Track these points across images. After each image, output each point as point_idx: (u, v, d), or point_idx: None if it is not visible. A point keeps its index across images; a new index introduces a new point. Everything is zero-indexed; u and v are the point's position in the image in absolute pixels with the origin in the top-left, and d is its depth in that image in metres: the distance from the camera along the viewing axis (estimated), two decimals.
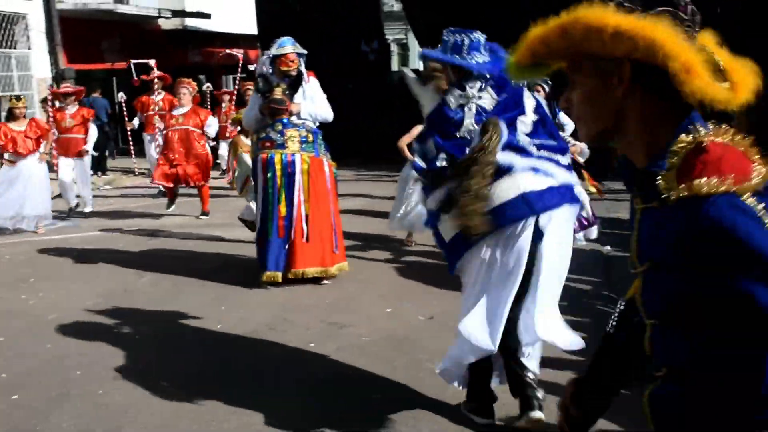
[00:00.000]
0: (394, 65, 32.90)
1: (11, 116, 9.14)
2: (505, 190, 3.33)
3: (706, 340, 1.42)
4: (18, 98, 9.32)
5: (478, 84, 3.51)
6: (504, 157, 3.31)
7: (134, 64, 12.03)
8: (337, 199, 6.60)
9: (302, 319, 5.53)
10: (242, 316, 5.61)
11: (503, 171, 3.31)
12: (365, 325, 5.30)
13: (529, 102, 3.54)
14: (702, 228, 1.34)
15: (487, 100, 3.51)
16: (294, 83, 6.27)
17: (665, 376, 1.51)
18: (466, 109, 3.50)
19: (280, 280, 6.30)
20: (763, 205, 1.32)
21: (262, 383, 4.36)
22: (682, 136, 1.43)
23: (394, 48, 36.08)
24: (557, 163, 3.47)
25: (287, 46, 6.31)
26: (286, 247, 6.30)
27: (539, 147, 3.44)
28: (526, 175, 3.36)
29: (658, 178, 1.43)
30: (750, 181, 1.34)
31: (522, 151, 3.39)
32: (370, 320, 5.41)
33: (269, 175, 6.27)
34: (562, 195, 3.43)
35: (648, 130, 1.48)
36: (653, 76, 1.44)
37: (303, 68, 6.33)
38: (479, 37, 3.55)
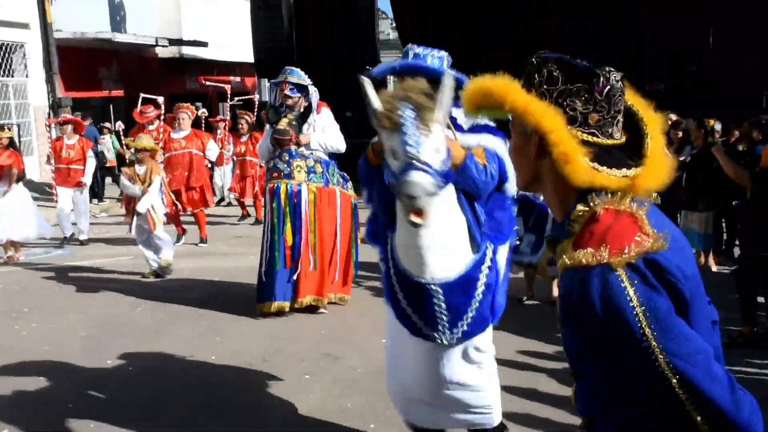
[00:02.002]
0: None
1: None
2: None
3: (611, 390, 1.49)
4: (2, 129, 9.29)
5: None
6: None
7: (143, 97, 12.09)
8: (349, 229, 6.56)
9: (297, 350, 5.50)
10: (237, 348, 5.59)
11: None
12: (360, 357, 5.28)
13: None
14: (579, 295, 1.43)
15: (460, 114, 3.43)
16: (303, 114, 6.29)
17: (588, 426, 1.59)
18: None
19: (287, 309, 6.28)
20: (634, 281, 1.39)
21: (257, 416, 4.33)
22: (580, 206, 1.52)
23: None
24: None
25: (284, 75, 6.33)
26: (294, 277, 6.29)
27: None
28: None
29: (558, 245, 1.56)
30: (626, 253, 1.40)
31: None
32: (365, 352, 5.38)
33: (274, 204, 6.29)
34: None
35: (559, 194, 1.58)
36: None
37: (313, 99, 6.33)
38: (445, 54, 3.35)
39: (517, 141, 1.63)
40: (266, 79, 21.39)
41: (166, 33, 20.17)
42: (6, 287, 7.76)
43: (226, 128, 13.16)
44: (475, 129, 3.34)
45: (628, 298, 1.38)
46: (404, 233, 3.07)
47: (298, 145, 6.27)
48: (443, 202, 2.97)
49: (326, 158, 6.42)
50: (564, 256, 1.48)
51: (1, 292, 7.59)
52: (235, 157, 12.11)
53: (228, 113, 13.28)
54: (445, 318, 3.15)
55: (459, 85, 2.94)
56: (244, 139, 11.85)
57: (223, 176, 13.45)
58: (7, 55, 15.83)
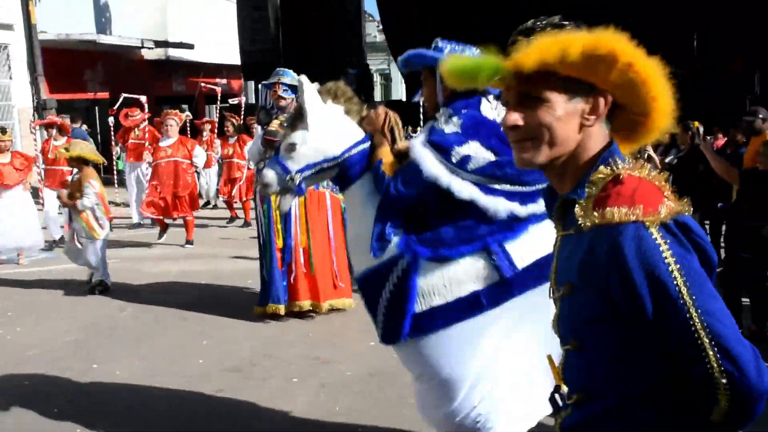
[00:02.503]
0: (378, 95, 33.12)
1: None
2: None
3: (618, 362, 1.47)
4: (3, 131, 9.23)
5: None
6: None
7: (125, 97, 12.05)
8: (342, 232, 6.55)
9: (285, 354, 5.49)
10: (224, 351, 5.57)
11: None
12: (349, 361, 5.27)
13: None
14: (609, 254, 1.40)
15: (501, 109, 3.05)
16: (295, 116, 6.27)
17: (578, 402, 1.55)
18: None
19: (282, 312, 6.27)
20: (666, 240, 1.39)
21: (245, 420, 4.32)
22: (602, 168, 1.49)
23: (377, 78, 36.35)
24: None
25: (277, 76, 6.33)
26: (288, 279, 6.28)
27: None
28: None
29: (576, 206, 1.49)
30: (658, 214, 1.40)
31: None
32: (354, 355, 5.38)
33: (265, 207, 6.29)
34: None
35: (581, 158, 1.52)
36: (618, 111, 1.52)
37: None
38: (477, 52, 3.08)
39: (564, 109, 1.48)
40: (252, 82, 21.38)
41: (152, 35, 20.09)
42: None
43: (212, 130, 13.13)
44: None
45: (663, 255, 1.37)
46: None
47: None
48: (351, 198, 3.24)
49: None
50: (588, 215, 1.45)
51: None
52: (221, 160, 12.10)
53: (216, 115, 13.24)
54: (370, 311, 3.18)
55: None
56: (231, 141, 11.85)
57: (209, 179, 13.42)
58: None
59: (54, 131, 10.20)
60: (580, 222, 1.47)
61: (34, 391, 4.84)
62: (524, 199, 2.91)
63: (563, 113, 1.48)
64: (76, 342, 5.91)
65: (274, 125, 6.23)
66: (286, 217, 6.23)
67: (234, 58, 22.01)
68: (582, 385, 1.54)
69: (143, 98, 11.27)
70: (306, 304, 6.31)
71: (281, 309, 6.28)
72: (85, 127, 15.45)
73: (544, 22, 1.57)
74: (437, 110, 3.12)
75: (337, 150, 3.23)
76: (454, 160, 2.90)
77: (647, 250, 1.38)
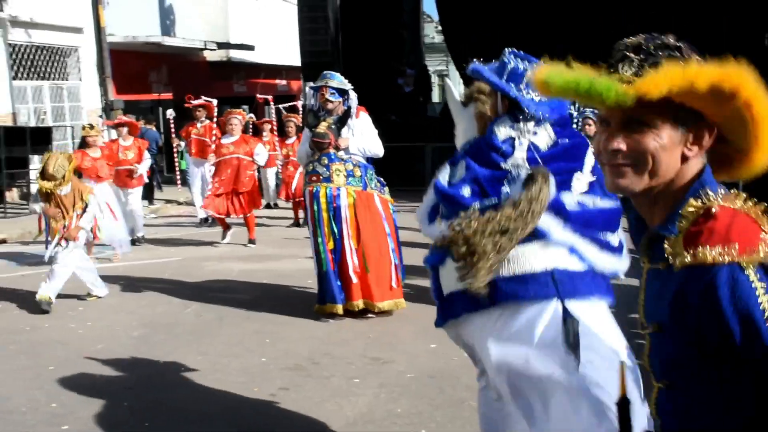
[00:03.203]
0: (435, 97, 33.08)
1: (85, 145, 9.35)
2: (532, 258, 2.76)
3: (711, 404, 1.41)
4: (91, 126, 9.53)
5: (532, 122, 2.97)
6: (542, 221, 2.69)
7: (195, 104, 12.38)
8: (395, 233, 6.58)
9: (345, 353, 5.54)
10: (286, 349, 5.65)
11: (534, 234, 2.70)
12: (408, 362, 5.29)
13: (589, 158, 2.96)
14: (702, 297, 1.33)
15: (544, 138, 2.97)
16: (342, 118, 6.35)
17: None
18: (516, 143, 2.94)
19: (341, 312, 6.33)
20: (764, 283, 1.31)
21: (307, 419, 4.37)
22: (692, 200, 1.41)
23: (434, 79, 36.28)
24: (603, 244, 2.86)
25: (324, 80, 6.40)
26: (341, 279, 6.34)
27: (586, 222, 2.82)
28: (560, 251, 2.79)
29: (666, 241, 1.42)
30: (756, 252, 1.31)
31: (565, 218, 2.78)
32: (413, 356, 5.39)
33: (315, 208, 6.36)
34: (596, 285, 2.82)
35: (673, 188, 1.46)
36: (718, 144, 1.46)
37: (352, 103, 6.40)
38: None
39: (670, 138, 1.43)
40: (311, 83, 21.62)
41: (214, 36, 20.46)
42: (62, 287, 7.94)
43: (272, 130, 13.31)
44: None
45: (759, 300, 1.30)
46: None
47: (337, 148, 6.32)
48: None
49: (364, 162, 6.46)
50: (678, 254, 1.38)
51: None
52: (281, 160, 12.27)
53: (273, 115, 13.43)
54: None
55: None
56: (291, 141, 12.00)
57: (271, 178, 13.61)
58: (61, 59, 16.23)
59: (124, 131, 10.47)
60: (669, 260, 1.40)
61: (102, 385, 4.99)
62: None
63: (668, 142, 1.42)
64: (141, 337, 6.07)
65: (322, 128, 6.30)
66: (336, 219, 6.29)
67: (293, 59, 22.24)
68: (677, 424, 1.50)
69: (215, 101, 11.50)
70: (360, 303, 6.35)
71: (339, 308, 6.34)
72: (150, 126, 15.85)
73: (657, 42, 1.46)
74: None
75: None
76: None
77: (742, 295, 1.30)
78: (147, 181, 11.02)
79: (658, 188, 1.46)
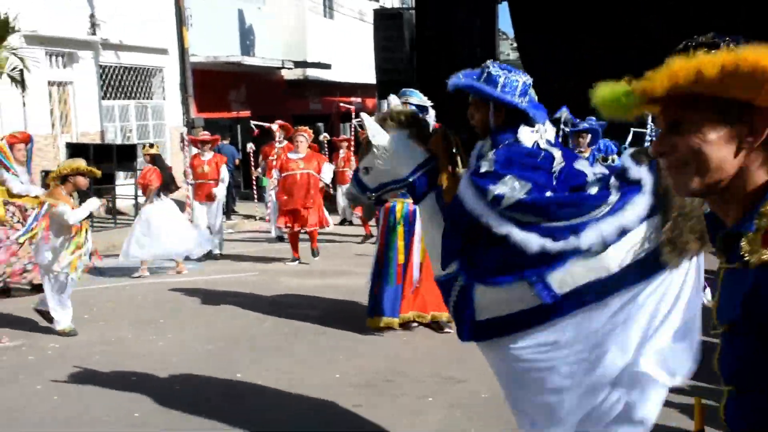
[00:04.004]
0: None
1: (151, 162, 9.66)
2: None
3: None
4: (151, 145, 9.82)
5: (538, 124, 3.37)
6: None
7: (254, 124, 12.64)
8: None
9: (417, 371, 5.53)
10: (359, 366, 5.68)
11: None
12: (481, 381, 5.22)
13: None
14: None
15: (551, 135, 3.40)
16: None
17: None
18: (542, 144, 3.32)
19: (396, 326, 6.36)
20: None
21: None
22: None
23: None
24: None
25: (404, 97, 6.44)
26: (405, 292, 6.41)
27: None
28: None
29: (743, 239, 1.37)
30: None
31: None
32: (487, 376, 5.29)
33: (389, 222, 6.41)
34: None
35: (751, 187, 1.41)
36: None
37: (430, 119, 6.42)
38: (528, 80, 3.39)
39: (716, 134, 1.40)
40: (385, 101, 21.80)
41: (291, 55, 20.87)
42: (144, 298, 8.22)
43: (349, 147, 13.45)
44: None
45: None
46: None
47: None
48: (423, 211, 3.66)
49: None
50: (755, 251, 1.35)
51: (139, 303, 8.05)
52: None
53: (351, 133, 13.56)
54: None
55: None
56: None
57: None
58: (147, 79, 16.86)
59: (207, 147, 10.78)
60: (746, 257, 1.37)
61: (181, 396, 5.12)
62: (557, 234, 3.06)
63: (713, 138, 1.38)
64: (218, 350, 6.20)
65: None
66: (409, 234, 6.33)
67: (368, 77, 22.46)
68: (749, 427, 1.46)
69: (275, 126, 11.72)
70: (410, 314, 6.38)
71: (395, 323, 6.40)
72: (226, 142, 16.22)
73: (695, 42, 1.45)
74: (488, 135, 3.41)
75: (404, 173, 3.64)
76: (489, 198, 3.16)
77: None
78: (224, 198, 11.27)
79: (722, 184, 1.42)
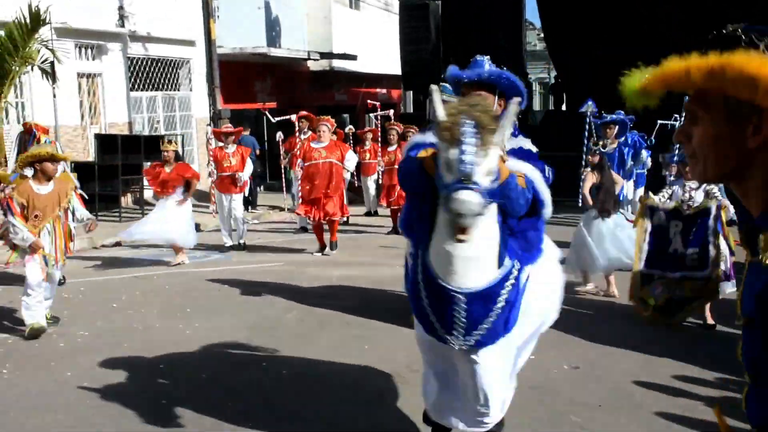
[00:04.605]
0: (536, 105, 32.60)
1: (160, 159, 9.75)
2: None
3: None
4: (169, 142, 9.85)
5: None
6: None
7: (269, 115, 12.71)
8: None
9: None
10: (384, 356, 5.70)
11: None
12: None
13: None
14: None
15: None
16: None
17: None
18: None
19: None
20: None
21: (404, 426, 4.40)
22: None
23: (536, 87, 35.86)
24: None
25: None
26: None
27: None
28: None
29: (761, 235, 1.40)
30: None
31: None
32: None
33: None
34: None
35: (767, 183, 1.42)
36: None
37: None
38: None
39: (718, 127, 1.45)
40: (411, 92, 21.74)
41: (317, 47, 20.90)
42: (171, 288, 8.31)
43: (374, 139, 13.46)
44: (516, 153, 3.55)
45: None
46: (441, 239, 3.19)
47: None
48: (485, 218, 3.09)
49: None
50: (765, 249, 1.37)
51: (167, 292, 8.14)
52: (382, 167, 12.39)
53: (377, 124, 13.56)
54: (461, 324, 3.28)
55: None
56: (392, 148, 12.11)
57: (371, 186, 13.76)
58: (174, 70, 16.98)
59: (230, 139, 10.84)
60: (760, 256, 1.39)
61: (208, 384, 5.18)
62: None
63: (715, 133, 1.44)
64: (245, 339, 6.26)
65: None
66: None
67: (393, 68, 22.42)
68: (759, 422, 1.46)
69: (293, 117, 11.74)
70: None
71: None
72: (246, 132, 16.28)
73: (724, 33, 1.57)
74: None
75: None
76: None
77: None
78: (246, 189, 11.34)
79: (736, 178, 1.46)
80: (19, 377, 5.44)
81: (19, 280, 7.94)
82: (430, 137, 3.36)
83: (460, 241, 2.94)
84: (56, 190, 6.55)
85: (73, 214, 6.95)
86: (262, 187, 17.15)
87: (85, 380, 5.27)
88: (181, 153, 11.14)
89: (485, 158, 2.92)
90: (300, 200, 10.50)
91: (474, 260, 3.20)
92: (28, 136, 8.66)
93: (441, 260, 3.23)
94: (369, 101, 15.30)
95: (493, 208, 3.15)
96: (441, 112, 2.99)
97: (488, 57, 3.63)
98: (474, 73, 3.58)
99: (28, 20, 9.95)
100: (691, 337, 6.25)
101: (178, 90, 17.17)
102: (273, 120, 13.20)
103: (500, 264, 3.29)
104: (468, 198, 2.83)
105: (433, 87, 3.16)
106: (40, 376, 5.43)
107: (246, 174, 10.81)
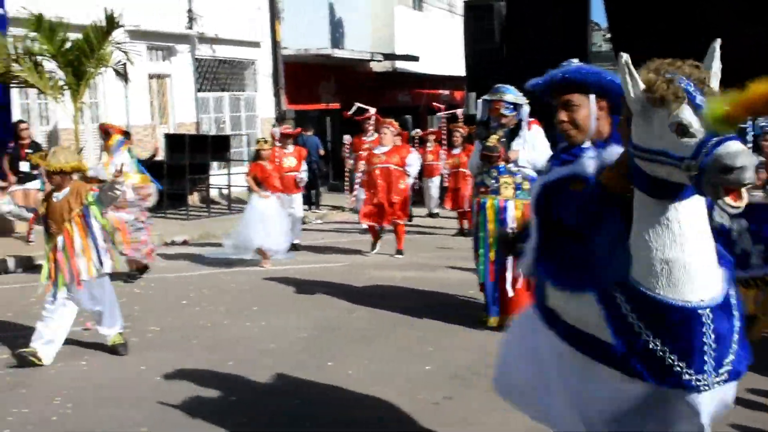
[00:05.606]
0: None
1: (258, 157, 9.86)
2: None
3: None
4: (266, 141, 10.00)
5: None
6: None
7: (359, 107, 12.70)
8: None
9: None
10: (449, 359, 5.69)
11: None
12: None
13: None
14: None
15: None
16: (513, 130, 6.33)
17: None
18: None
19: (494, 324, 6.34)
20: None
21: (473, 430, 4.39)
22: None
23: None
24: None
25: (498, 93, 6.38)
26: (499, 291, 6.35)
27: None
28: None
29: None
30: None
31: None
32: None
33: (480, 218, 6.39)
34: None
35: None
36: None
37: (524, 116, 6.35)
38: None
39: None
40: (474, 93, 21.66)
41: (380, 48, 20.98)
42: (238, 286, 8.47)
43: (437, 141, 13.44)
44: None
45: None
46: (655, 243, 2.53)
47: (507, 161, 6.30)
48: (702, 203, 2.53)
49: (534, 176, 6.38)
50: None
51: (234, 290, 8.29)
52: (447, 170, 12.35)
53: (443, 126, 13.52)
54: (712, 353, 2.56)
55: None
56: (456, 151, 12.07)
57: (434, 188, 13.74)
58: (240, 71, 17.29)
59: (289, 140, 10.94)
60: None
61: (275, 381, 5.25)
62: None
63: None
64: (310, 338, 6.33)
65: (492, 140, 6.30)
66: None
67: (456, 69, 22.33)
68: None
69: (373, 110, 11.77)
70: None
71: (492, 320, 6.37)
72: (310, 133, 16.44)
73: None
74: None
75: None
76: None
77: None
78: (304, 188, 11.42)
79: None
80: (96, 369, 5.62)
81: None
82: (555, 171, 2.97)
83: (736, 208, 2.26)
84: (67, 197, 5.72)
85: (92, 230, 5.79)
86: (321, 189, 17.29)
87: (156, 374, 5.41)
88: (249, 153, 11.28)
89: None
90: (362, 204, 10.54)
91: (708, 265, 2.58)
92: (106, 135, 8.94)
93: (664, 273, 2.53)
94: (434, 103, 15.28)
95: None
96: (640, 80, 2.47)
97: (577, 60, 3.22)
98: (573, 70, 3.05)
99: (103, 23, 10.25)
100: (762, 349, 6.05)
101: (244, 91, 17.48)
102: (363, 108, 13.20)
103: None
104: (742, 147, 2.21)
105: (624, 55, 2.69)
106: (115, 370, 5.60)
107: (304, 174, 10.92)
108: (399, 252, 10.26)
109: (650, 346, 2.57)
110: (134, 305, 7.37)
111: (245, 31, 16.51)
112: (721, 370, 2.57)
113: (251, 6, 16.60)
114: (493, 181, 6.35)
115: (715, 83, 2.39)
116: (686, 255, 2.50)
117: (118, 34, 11.06)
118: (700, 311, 2.52)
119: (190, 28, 15.49)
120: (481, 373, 5.32)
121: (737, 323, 2.62)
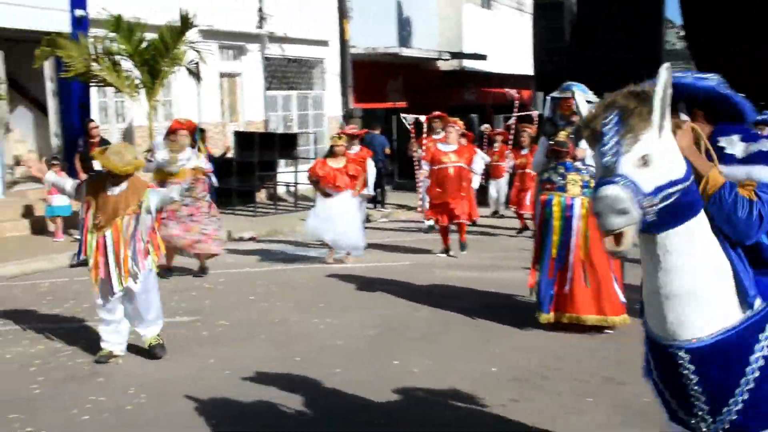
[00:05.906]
0: None
1: (331, 153, 9.93)
2: None
3: None
4: (340, 137, 10.03)
5: None
6: None
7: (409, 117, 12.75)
8: None
9: (575, 369, 5.43)
10: (514, 360, 5.66)
11: None
12: (644, 385, 5.04)
13: None
14: None
15: None
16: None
17: None
18: None
19: (545, 321, 6.31)
20: None
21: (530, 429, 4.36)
22: None
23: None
24: None
25: (569, 90, 6.30)
26: (556, 289, 6.30)
27: None
28: None
29: None
30: None
31: None
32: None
33: (545, 215, 6.34)
34: None
35: None
36: None
37: None
38: None
39: None
40: (542, 92, 21.42)
41: (448, 46, 20.93)
42: (304, 283, 8.58)
43: (504, 141, 13.33)
44: (755, 158, 2.63)
45: None
46: (644, 276, 2.45)
47: (575, 158, 6.23)
48: (687, 237, 2.35)
49: None
50: None
51: (300, 287, 8.40)
52: (513, 170, 12.26)
53: (506, 123, 13.42)
54: (700, 399, 2.45)
55: (730, 104, 2.68)
56: (524, 152, 11.97)
57: (499, 189, 13.64)
58: (308, 70, 17.50)
59: (355, 141, 10.96)
60: None
61: (341, 378, 5.30)
62: None
63: None
64: (375, 336, 6.37)
65: (562, 136, 6.23)
66: (566, 229, 6.20)
67: (522, 68, 22.12)
68: None
69: (422, 118, 11.71)
70: (592, 318, 6.23)
71: (547, 318, 6.32)
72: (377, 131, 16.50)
73: None
74: None
75: (682, 170, 2.34)
76: None
77: None
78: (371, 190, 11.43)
79: None
80: (168, 361, 5.78)
81: (178, 267, 8.46)
82: None
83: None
84: (125, 192, 5.61)
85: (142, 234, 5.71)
86: (387, 187, 17.34)
87: (225, 368, 5.54)
88: (315, 151, 11.39)
89: (633, 145, 2.26)
90: (429, 203, 10.53)
91: (687, 297, 2.38)
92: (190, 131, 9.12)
93: (651, 306, 2.48)
94: (508, 92, 14.99)
95: (703, 224, 2.40)
96: (584, 109, 2.45)
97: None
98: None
99: (178, 24, 10.51)
100: None
101: (312, 89, 17.68)
102: (408, 124, 13.25)
103: (746, 304, 2.43)
104: (606, 192, 2.19)
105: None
106: (186, 363, 5.75)
107: (370, 180, 10.93)
108: (462, 246, 10.18)
109: (659, 384, 2.64)
110: (205, 300, 7.55)
111: (314, 30, 16.70)
112: (719, 419, 2.46)
113: (320, 5, 16.78)
114: (560, 178, 6.29)
115: (654, 117, 2.28)
116: (661, 289, 2.40)
117: (191, 34, 11.31)
118: (672, 351, 2.44)
119: (261, 27, 15.76)
120: (547, 377, 5.28)
121: (753, 375, 2.40)
